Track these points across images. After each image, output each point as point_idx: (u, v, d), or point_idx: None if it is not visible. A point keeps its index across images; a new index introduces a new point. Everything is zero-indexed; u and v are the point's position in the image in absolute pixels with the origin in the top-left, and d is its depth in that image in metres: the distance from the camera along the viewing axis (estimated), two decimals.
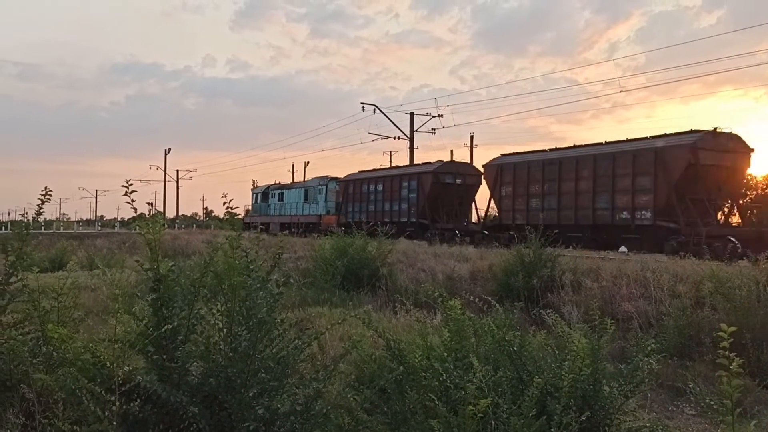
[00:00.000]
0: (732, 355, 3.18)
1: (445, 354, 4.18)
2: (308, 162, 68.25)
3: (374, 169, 35.45)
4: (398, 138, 41.69)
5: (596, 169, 20.15)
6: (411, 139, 40.57)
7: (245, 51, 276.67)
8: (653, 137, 19.36)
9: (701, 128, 18.53)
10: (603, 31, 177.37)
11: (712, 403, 4.01)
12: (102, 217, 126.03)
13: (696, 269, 10.48)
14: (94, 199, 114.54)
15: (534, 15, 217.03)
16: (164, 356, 3.64)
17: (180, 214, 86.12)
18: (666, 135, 19.05)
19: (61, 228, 64.85)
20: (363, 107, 40.65)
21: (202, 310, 3.84)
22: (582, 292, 10.59)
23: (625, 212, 19.23)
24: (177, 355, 3.68)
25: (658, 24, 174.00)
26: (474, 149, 52.36)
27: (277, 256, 4.39)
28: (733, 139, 18.63)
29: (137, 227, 3.88)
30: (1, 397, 3.98)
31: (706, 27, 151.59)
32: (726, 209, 19.50)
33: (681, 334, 8.11)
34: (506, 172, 23.56)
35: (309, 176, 53.89)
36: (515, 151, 24.84)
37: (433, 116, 41.17)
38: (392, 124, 41.14)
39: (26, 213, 4.87)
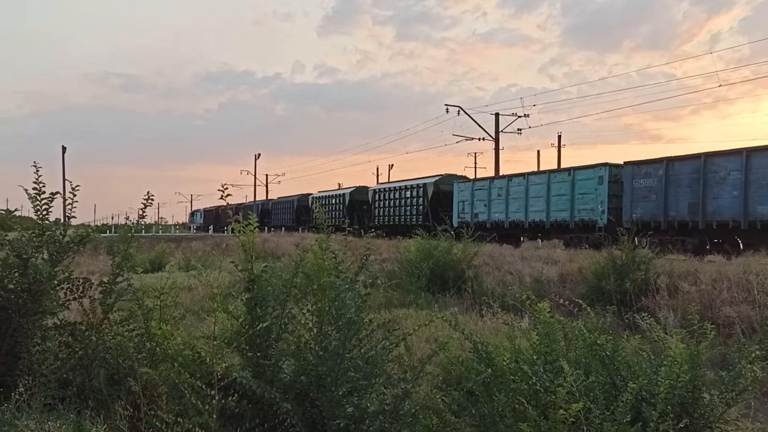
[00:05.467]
0: None
1: (534, 357, 4.12)
2: (392, 165, 69.28)
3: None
4: (483, 139, 41.21)
5: None
6: (496, 140, 39.98)
7: (332, 56, 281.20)
8: None
9: None
10: (703, 23, 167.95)
11: None
12: None
13: None
14: (189, 204, 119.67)
15: (628, 8, 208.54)
16: (258, 354, 3.79)
17: None
18: None
19: (160, 231, 68.26)
20: (447, 109, 40.40)
21: (293, 309, 3.96)
22: (679, 296, 10.13)
23: None
24: (270, 353, 3.81)
25: (763, 13, 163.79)
26: (562, 149, 51.15)
27: (365, 258, 4.46)
28: None
29: (232, 230, 4.04)
30: (110, 390, 4.25)
31: None
32: None
33: None
34: None
35: (393, 178, 56.39)
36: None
37: (519, 116, 40.41)
38: (477, 125, 40.75)
39: (128, 217, 5.19)
